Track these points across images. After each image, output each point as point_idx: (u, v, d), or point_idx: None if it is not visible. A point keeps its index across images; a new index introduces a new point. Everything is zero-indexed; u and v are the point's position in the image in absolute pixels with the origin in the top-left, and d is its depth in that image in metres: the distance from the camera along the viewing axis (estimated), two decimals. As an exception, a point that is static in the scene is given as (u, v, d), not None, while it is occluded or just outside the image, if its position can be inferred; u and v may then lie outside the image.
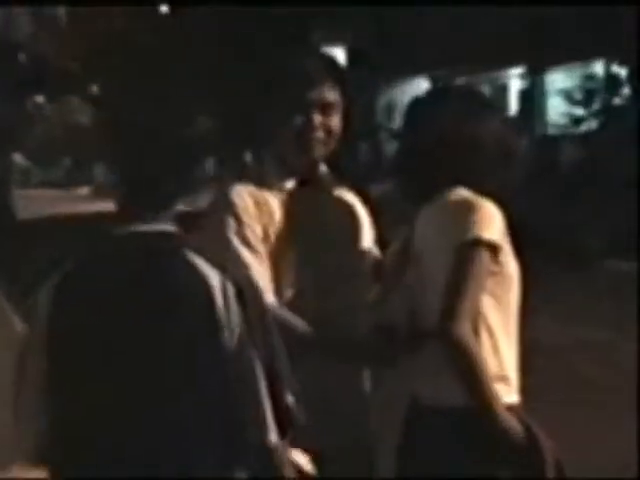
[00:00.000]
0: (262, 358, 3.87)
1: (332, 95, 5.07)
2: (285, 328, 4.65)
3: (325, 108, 5.04)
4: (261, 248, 4.92)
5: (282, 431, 3.98)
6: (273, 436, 3.92)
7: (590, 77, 38.41)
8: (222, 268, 3.84)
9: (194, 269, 3.78)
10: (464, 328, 4.49)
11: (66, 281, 3.94)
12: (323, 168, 5.22)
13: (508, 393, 4.74)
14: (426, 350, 4.72)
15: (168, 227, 3.94)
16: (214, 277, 3.77)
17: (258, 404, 3.90)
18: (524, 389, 4.89)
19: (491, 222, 4.66)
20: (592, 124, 36.74)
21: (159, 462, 3.86)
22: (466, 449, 4.67)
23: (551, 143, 33.37)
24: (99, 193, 53.59)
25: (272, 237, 4.96)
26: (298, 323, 4.85)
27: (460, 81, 38.55)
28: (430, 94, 5.37)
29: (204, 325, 3.77)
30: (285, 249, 4.97)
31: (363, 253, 5.25)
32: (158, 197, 3.96)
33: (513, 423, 4.62)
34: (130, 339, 3.84)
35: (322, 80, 5.07)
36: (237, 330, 3.81)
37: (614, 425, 11.87)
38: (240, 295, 3.83)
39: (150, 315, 3.80)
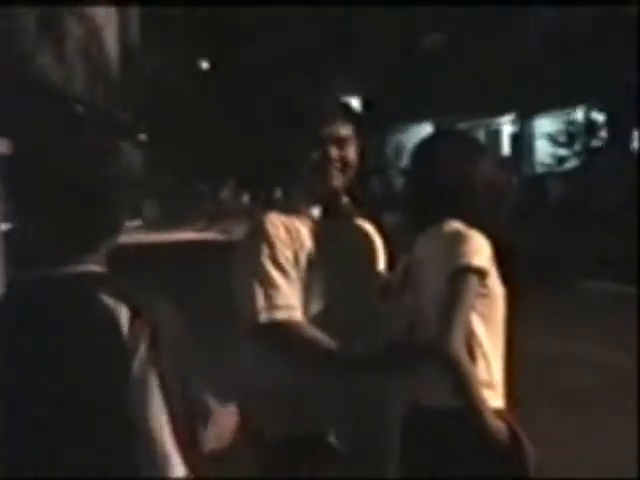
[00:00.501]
0: (171, 390, 3.55)
1: (345, 130, 5.05)
2: (314, 344, 4.80)
3: (340, 142, 5.02)
4: (292, 271, 4.86)
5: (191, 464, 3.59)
6: (178, 471, 3.53)
7: (572, 122, 38.45)
8: (134, 305, 3.51)
9: (106, 309, 3.50)
10: (457, 343, 4.53)
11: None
12: (344, 198, 5.18)
13: (494, 398, 4.77)
14: (426, 359, 4.74)
15: (89, 268, 3.66)
16: (124, 314, 3.48)
17: (155, 441, 3.52)
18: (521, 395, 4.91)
19: (480, 251, 4.71)
20: (574, 163, 36.82)
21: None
22: (459, 445, 4.71)
23: (539, 180, 33.32)
24: (149, 226, 53.55)
25: (302, 261, 4.91)
26: (325, 340, 4.81)
27: (459, 127, 38.66)
28: (431, 138, 5.33)
29: (110, 365, 3.50)
30: (314, 271, 4.93)
31: (378, 274, 5.23)
32: (79, 243, 3.70)
33: (499, 425, 4.66)
34: (45, 376, 3.56)
35: (335, 117, 5.06)
36: (141, 365, 3.49)
37: (599, 425, 11.90)
38: (153, 332, 3.50)
39: (63, 353, 3.53)
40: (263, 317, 4.77)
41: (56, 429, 3.53)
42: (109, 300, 3.48)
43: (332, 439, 4.97)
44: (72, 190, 3.61)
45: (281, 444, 4.94)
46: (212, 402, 3.77)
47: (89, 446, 3.51)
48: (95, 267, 3.67)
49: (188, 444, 3.56)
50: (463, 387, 4.56)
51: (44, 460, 3.54)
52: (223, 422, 3.98)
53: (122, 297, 3.50)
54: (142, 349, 3.45)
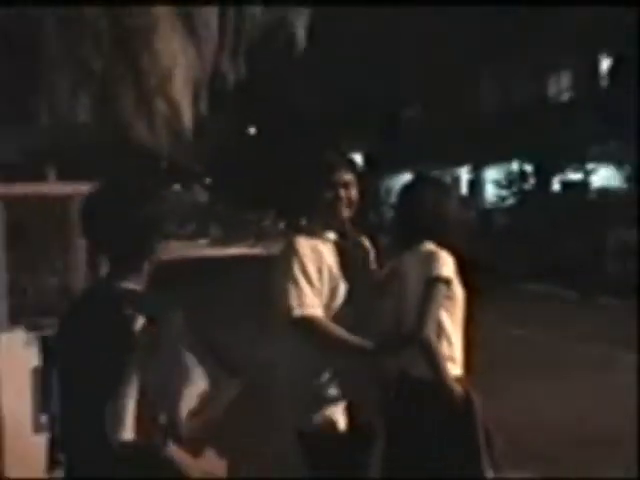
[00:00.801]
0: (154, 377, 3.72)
1: (349, 177, 5.07)
2: (334, 336, 4.80)
3: (346, 186, 5.04)
4: (315, 279, 4.86)
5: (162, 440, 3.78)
6: (126, 434, 3.60)
7: (510, 172, 38.41)
8: (148, 314, 3.62)
9: (125, 316, 3.56)
10: (430, 331, 4.74)
11: (64, 317, 3.86)
12: (349, 225, 5.19)
13: (455, 368, 4.93)
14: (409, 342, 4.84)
15: (126, 285, 3.73)
16: (139, 322, 3.57)
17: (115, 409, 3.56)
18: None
19: (447, 265, 4.90)
20: (512, 201, 36.84)
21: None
22: (435, 404, 4.80)
23: (487, 213, 33.30)
24: (214, 243, 53.56)
25: (323, 271, 4.92)
26: (342, 333, 4.81)
27: (432, 174, 38.85)
28: (412, 182, 5.37)
29: (122, 358, 3.56)
30: (330, 279, 4.96)
31: (372, 276, 5.24)
32: (127, 265, 3.79)
33: (458, 389, 4.79)
34: (80, 361, 3.69)
35: (342, 168, 5.08)
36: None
37: (525, 378, 11.85)
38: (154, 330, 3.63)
39: (88, 348, 3.66)
40: (296, 312, 4.77)
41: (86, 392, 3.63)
42: (129, 310, 3.56)
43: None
44: (120, 225, 3.69)
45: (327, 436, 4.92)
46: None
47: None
48: (130, 284, 3.73)
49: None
50: (433, 361, 4.73)
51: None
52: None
53: (141, 309, 3.58)
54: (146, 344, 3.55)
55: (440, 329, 4.86)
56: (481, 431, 4.82)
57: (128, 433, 3.60)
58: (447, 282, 4.86)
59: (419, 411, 4.85)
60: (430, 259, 4.89)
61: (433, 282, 4.82)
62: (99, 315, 3.63)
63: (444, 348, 4.85)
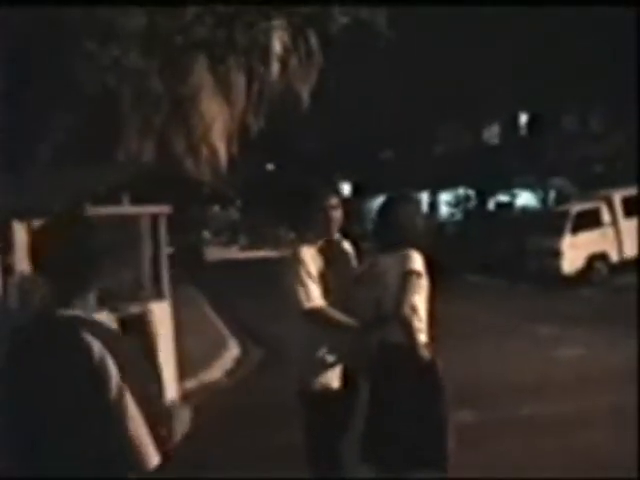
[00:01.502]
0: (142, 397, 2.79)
1: (335, 201, 4.99)
2: (336, 319, 4.77)
3: (333, 208, 4.97)
4: (317, 278, 4.80)
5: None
6: (153, 460, 2.85)
7: (458, 195, 38.46)
8: (103, 338, 2.76)
9: (82, 342, 2.72)
10: (406, 309, 4.69)
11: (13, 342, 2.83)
12: (336, 235, 5.08)
13: (423, 336, 4.85)
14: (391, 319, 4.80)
15: (76, 312, 2.87)
16: (97, 347, 2.71)
17: (130, 438, 2.76)
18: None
19: (418, 262, 4.82)
20: (459, 217, 36.85)
21: None
22: (411, 364, 4.75)
23: (442, 225, 33.27)
24: (242, 249, 53.45)
25: (320, 270, 4.84)
26: (340, 316, 4.78)
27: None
28: (387, 201, 5.20)
29: (88, 384, 2.72)
30: (326, 276, 4.87)
31: (353, 271, 5.14)
32: (72, 293, 2.94)
33: (426, 352, 4.76)
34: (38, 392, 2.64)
35: (330, 194, 5.02)
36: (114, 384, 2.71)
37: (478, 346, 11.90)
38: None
39: (49, 375, 2.75)
40: (306, 305, 4.74)
41: (45, 429, 2.75)
42: (87, 336, 2.77)
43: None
44: (69, 258, 2.90)
45: (324, 390, 4.84)
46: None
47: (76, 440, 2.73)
48: (79, 311, 2.91)
49: (159, 437, 2.87)
50: (409, 331, 4.70)
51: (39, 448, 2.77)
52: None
53: (95, 334, 2.79)
54: (113, 371, 2.72)
55: (413, 308, 4.77)
56: (442, 381, 4.79)
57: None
58: (418, 274, 4.79)
59: (396, 367, 4.78)
60: (406, 258, 4.81)
61: (408, 274, 4.75)
62: (56, 342, 2.81)
63: (415, 322, 4.77)
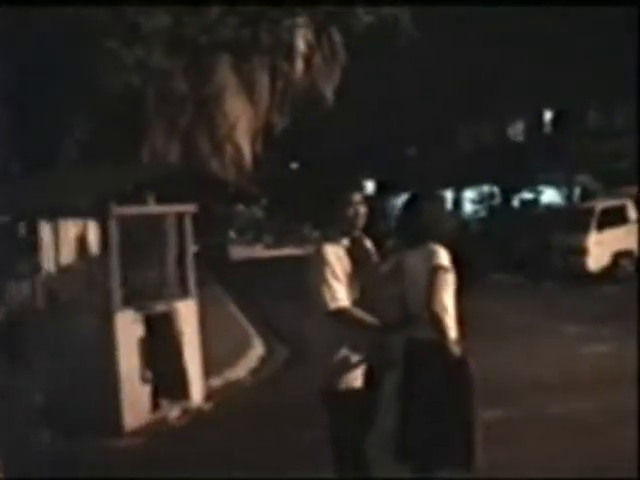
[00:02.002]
0: None
1: (359, 197, 4.96)
2: (361, 320, 4.74)
3: (358, 204, 4.94)
4: (342, 278, 4.77)
5: None
6: None
7: (482, 192, 38.29)
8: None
9: None
10: (437, 306, 4.66)
11: None
12: (359, 232, 5.05)
13: (454, 334, 4.77)
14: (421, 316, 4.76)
15: None
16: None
17: None
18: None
19: (444, 256, 4.77)
20: (483, 214, 36.69)
21: None
22: (442, 361, 4.70)
23: (466, 222, 33.10)
24: (267, 247, 53.63)
25: (345, 270, 4.81)
26: (366, 316, 4.75)
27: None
28: (412, 198, 5.12)
29: None
30: (350, 275, 4.83)
31: (378, 269, 5.09)
32: None
33: (456, 348, 4.70)
34: None
35: (353, 191, 4.98)
36: None
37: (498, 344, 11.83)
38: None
39: None
40: (331, 305, 4.71)
41: None
42: None
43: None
44: None
45: (348, 389, 4.80)
46: None
47: None
48: None
49: None
50: (439, 327, 4.65)
51: None
52: None
53: None
54: None
55: (442, 305, 4.71)
56: (473, 379, 4.74)
57: None
58: (445, 270, 4.73)
59: (427, 364, 4.72)
60: (432, 253, 4.76)
61: (437, 270, 4.70)
62: None
63: (445, 318, 4.70)
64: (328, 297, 4.71)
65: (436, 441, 4.69)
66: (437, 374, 4.70)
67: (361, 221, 5.00)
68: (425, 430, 4.72)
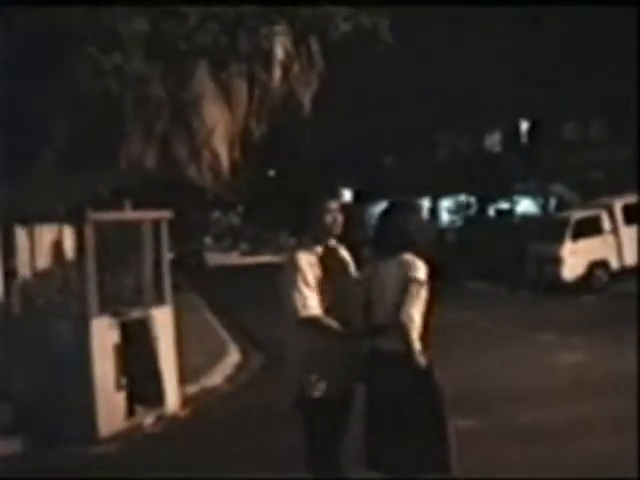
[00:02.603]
0: None
1: (334, 204, 4.96)
2: (331, 328, 4.74)
3: (333, 211, 4.94)
4: (314, 285, 4.78)
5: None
6: None
7: (459, 202, 38.49)
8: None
9: None
10: (405, 317, 4.64)
11: None
12: (333, 241, 5.04)
13: (418, 344, 4.71)
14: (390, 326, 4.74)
15: None
16: None
17: None
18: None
19: (422, 270, 4.75)
20: (460, 223, 36.86)
21: None
22: (406, 371, 4.68)
23: (442, 232, 33.20)
24: (243, 254, 53.56)
25: (317, 277, 4.81)
26: (336, 324, 4.75)
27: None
28: (388, 207, 5.11)
29: None
30: (323, 283, 4.84)
31: (352, 278, 5.08)
32: None
33: (422, 358, 4.67)
34: None
35: (329, 197, 4.98)
36: None
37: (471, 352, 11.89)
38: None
39: None
40: (302, 313, 4.73)
41: None
42: None
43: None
44: None
45: (320, 398, 4.80)
46: None
47: None
48: None
49: None
50: (407, 339, 4.65)
51: None
52: None
53: None
54: None
55: (409, 316, 4.66)
56: (440, 387, 4.74)
57: None
58: (421, 284, 4.72)
59: (392, 374, 4.71)
60: (409, 265, 4.76)
61: (412, 282, 4.69)
62: None
63: (412, 330, 4.67)
64: (299, 304, 4.73)
65: (409, 449, 4.70)
66: (402, 384, 4.69)
67: (337, 229, 5.00)
68: (392, 440, 4.73)
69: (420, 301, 4.74)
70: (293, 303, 4.74)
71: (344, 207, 5.20)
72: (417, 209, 5.24)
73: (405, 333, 4.62)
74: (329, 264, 4.94)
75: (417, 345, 4.70)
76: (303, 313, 4.73)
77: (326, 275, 4.87)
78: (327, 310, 4.80)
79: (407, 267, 4.75)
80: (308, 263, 4.84)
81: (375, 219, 5.25)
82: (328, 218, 4.94)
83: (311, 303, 4.75)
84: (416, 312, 4.71)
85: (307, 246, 4.94)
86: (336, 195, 5.15)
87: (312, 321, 4.75)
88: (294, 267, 4.82)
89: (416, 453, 4.71)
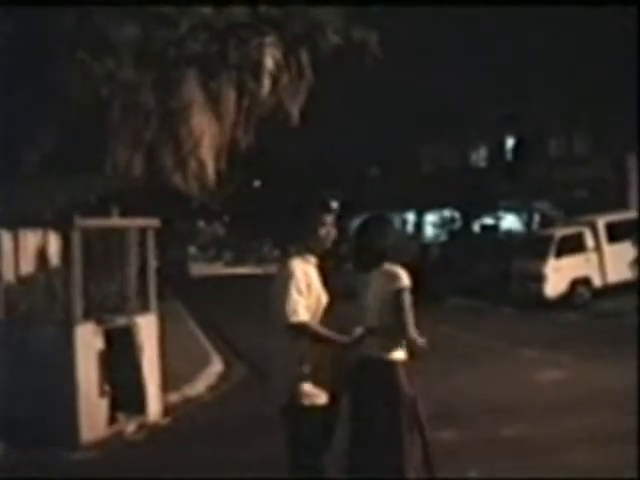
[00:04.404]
0: None
1: (331, 218, 5.02)
2: (319, 334, 4.78)
3: (330, 225, 5.00)
4: (306, 294, 4.83)
5: None
6: None
7: (443, 217, 38.65)
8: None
9: None
10: (413, 332, 4.74)
11: None
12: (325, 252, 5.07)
13: (403, 354, 4.82)
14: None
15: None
16: None
17: None
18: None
19: (405, 279, 4.79)
20: (444, 238, 37.01)
21: None
22: (387, 378, 4.74)
23: (426, 246, 33.25)
24: (227, 264, 53.50)
25: (310, 286, 4.87)
26: (325, 331, 4.80)
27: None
28: (362, 223, 5.20)
29: None
30: (314, 291, 4.90)
31: (339, 288, 5.21)
32: None
33: (401, 370, 4.76)
34: None
35: (327, 211, 5.03)
36: None
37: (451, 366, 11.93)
38: None
39: None
40: (292, 319, 4.76)
41: None
42: None
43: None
44: None
45: (306, 407, 4.81)
46: None
47: None
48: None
49: None
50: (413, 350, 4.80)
51: None
52: None
53: None
54: None
55: (394, 325, 4.74)
56: (402, 398, 4.71)
57: None
58: (406, 290, 4.76)
59: (373, 383, 4.76)
60: (393, 275, 4.81)
61: (401, 292, 4.75)
62: None
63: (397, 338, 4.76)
64: (290, 310, 4.76)
65: (376, 463, 4.69)
66: (381, 393, 4.73)
67: (330, 242, 5.07)
68: (367, 451, 4.75)
69: (411, 308, 4.78)
70: (283, 308, 4.77)
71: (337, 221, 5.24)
72: (389, 222, 5.27)
73: (412, 344, 4.74)
74: (320, 273, 5.01)
75: (401, 355, 4.78)
76: (293, 319, 4.76)
77: (318, 284, 4.96)
78: (318, 318, 4.87)
79: (390, 278, 4.80)
80: (302, 271, 4.89)
81: (352, 234, 5.30)
82: (323, 231, 5.00)
83: (301, 310, 4.79)
84: (411, 319, 4.76)
85: (302, 256, 4.98)
86: (332, 209, 5.18)
87: (301, 327, 4.78)
88: (288, 274, 4.85)
89: (381, 468, 4.68)
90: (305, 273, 4.91)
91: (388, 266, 4.85)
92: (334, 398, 4.90)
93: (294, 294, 4.81)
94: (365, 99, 35.56)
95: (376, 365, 4.77)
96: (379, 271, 4.86)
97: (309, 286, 4.89)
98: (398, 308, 4.72)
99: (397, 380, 4.75)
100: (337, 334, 4.84)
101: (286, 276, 4.87)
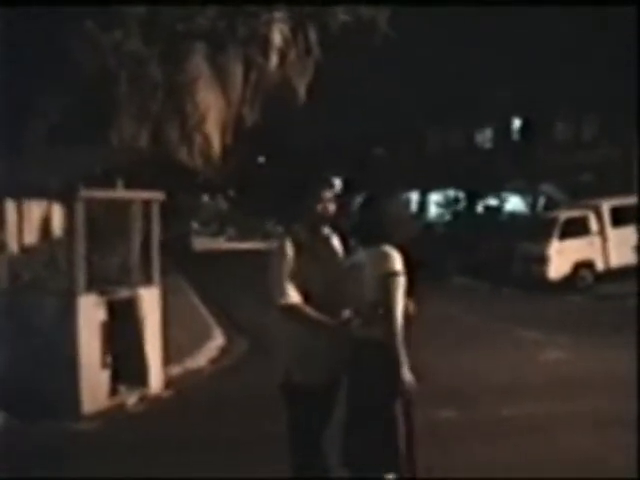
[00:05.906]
0: None
1: (331, 195, 4.99)
2: (310, 317, 4.73)
3: (329, 201, 4.96)
4: (297, 275, 4.77)
5: None
6: None
7: (447, 196, 38.55)
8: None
9: None
10: (399, 313, 4.61)
11: None
12: (325, 228, 5.05)
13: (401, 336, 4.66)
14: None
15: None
16: None
17: None
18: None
19: (397, 261, 4.68)
20: (448, 217, 36.95)
21: None
22: (380, 363, 4.63)
23: (430, 225, 33.25)
24: (230, 239, 53.48)
25: (304, 264, 4.80)
26: (314, 313, 4.74)
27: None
28: (368, 198, 5.06)
29: None
30: (309, 269, 4.82)
31: (340, 267, 5.01)
32: None
33: (403, 351, 4.59)
34: None
35: (326, 188, 5.00)
36: None
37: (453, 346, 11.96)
38: None
39: None
40: (281, 301, 4.73)
41: None
42: None
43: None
44: None
45: (305, 385, 4.79)
46: None
47: None
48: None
49: None
50: (391, 331, 4.59)
51: None
52: None
53: None
54: None
55: (389, 308, 4.60)
56: (400, 382, 4.54)
57: None
58: (398, 274, 4.64)
59: (366, 365, 4.64)
60: (384, 259, 4.69)
61: (392, 275, 4.63)
62: None
63: (398, 323, 4.61)
64: (278, 292, 4.74)
65: (369, 447, 4.63)
66: (374, 376, 4.63)
67: (330, 218, 5.02)
68: (360, 434, 4.66)
69: (400, 292, 4.68)
70: (274, 290, 4.76)
71: (337, 197, 5.18)
72: (397, 200, 5.24)
73: (391, 325, 4.57)
74: (319, 253, 4.93)
75: (396, 338, 4.62)
76: (282, 301, 4.73)
77: (315, 263, 4.86)
78: (315, 298, 4.78)
79: (383, 261, 4.69)
80: (296, 250, 4.84)
81: (355, 209, 5.23)
82: (320, 207, 4.94)
83: (289, 291, 4.74)
84: (397, 304, 4.65)
85: (298, 234, 4.93)
86: (332, 185, 5.14)
87: (291, 309, 4.75)
88: (281, 254, 4.82)
89: (374, 452, 4.62)
90: (299, 250, 4.84)
91: (385, 247, 4.74)
92: (332, 380, 4.85)
93: (283, 275, 4.77)
94: (372, 78, 35.43)
95: (373, 346, 4.66)
96: (376, 250, 4.75)
97: (303, 266, 4.81)
98: (385, 291, 4.62)
99: (394, 362, 4.61)
100: (329, 317, 4.74)
101: (278, 257, 4.83)
